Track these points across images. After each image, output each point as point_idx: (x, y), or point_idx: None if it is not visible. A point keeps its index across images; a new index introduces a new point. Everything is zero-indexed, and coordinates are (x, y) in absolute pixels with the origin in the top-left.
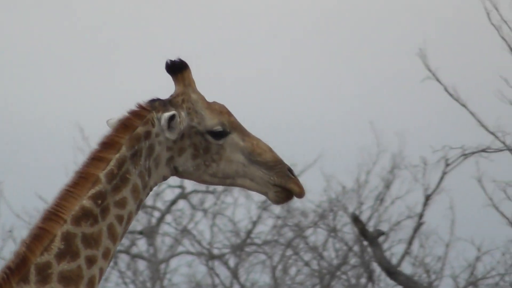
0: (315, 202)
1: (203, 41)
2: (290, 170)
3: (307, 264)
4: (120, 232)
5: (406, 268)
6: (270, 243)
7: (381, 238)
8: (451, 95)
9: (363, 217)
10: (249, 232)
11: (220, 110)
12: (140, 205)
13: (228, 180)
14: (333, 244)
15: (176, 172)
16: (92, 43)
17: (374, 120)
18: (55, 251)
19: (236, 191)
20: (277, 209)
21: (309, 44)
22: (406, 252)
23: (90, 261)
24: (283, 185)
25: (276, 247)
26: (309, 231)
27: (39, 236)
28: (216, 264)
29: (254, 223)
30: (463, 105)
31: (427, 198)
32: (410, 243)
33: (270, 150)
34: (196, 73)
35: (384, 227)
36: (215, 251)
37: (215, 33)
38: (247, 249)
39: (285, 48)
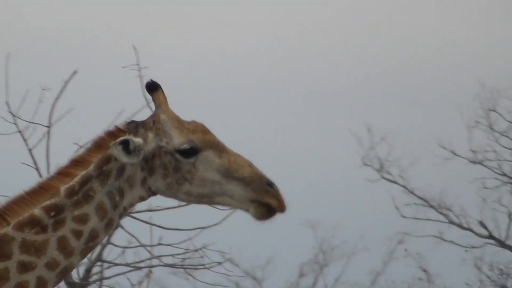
0: None
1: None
2: (270, 184)
3: None
4: (78, 247)
5: None
6: None
7: None
8: None
9: None
10: None
11: (194, 129)
12: (110, 224)
13: (205, 199)
14: None
15: (151, 192)
16: None
17: None
18: None
19: None
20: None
21: None
22: None
23: (25, 266)
24: (259, 200)
25: None
26: None
27: None
28: None
29: None
30: None
31: None
32: None
33: (249, 165)
34: None
35: None
36: None
37: None
38: None
39: None
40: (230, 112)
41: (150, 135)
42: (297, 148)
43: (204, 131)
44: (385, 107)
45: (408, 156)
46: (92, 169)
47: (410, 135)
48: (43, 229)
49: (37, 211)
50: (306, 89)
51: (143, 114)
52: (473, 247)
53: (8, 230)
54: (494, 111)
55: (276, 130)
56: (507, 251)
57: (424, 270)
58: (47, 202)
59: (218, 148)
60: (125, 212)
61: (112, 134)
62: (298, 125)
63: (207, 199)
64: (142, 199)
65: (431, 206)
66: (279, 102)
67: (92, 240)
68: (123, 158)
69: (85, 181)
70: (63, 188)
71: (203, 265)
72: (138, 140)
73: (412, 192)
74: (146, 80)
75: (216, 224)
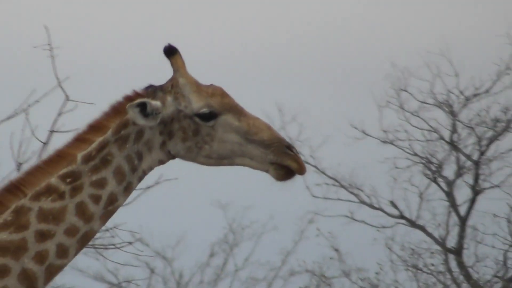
0: None
1: None
2: (289, 147)
3: None
4: (97, 211)
5: None
6: None
7: None
8: None
9: None
10: None
11: (212, 93)
12: (129, 187)
13: (226, 160)
14: None
15: (171, 155)
16: None
17: None
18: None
19: None
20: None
21: None
22: None
23: (43, 235)
24: (279, 162)
25: None
26: None
27: None
28: None
29: None
30: None
31: None
32: None
33: (268, 128)
34: None
35: None
36: None
37: None
38: None
39: None
40: None
41: (169, 98)
42: None
43: (223, 94)
44: (296, 86)
45: (319, 136)
46: (110, 134)
47: (321, 115)
48: (60, 196)
49: (53, 180)
50: (215, 69)
51: (55, 94)
52: (384, 227)
53: (25, 201)
54: (405, 91)
55: None
56: (418, 231)
57: (336, 250)
58: (64, 170)
59: (237, 111)
60: (144, 176)
61: (130, 98)
62: None
63: (227, 160)
64: (161, 162)
65: (342, 186)
66: None
67: (111, 204)
68: (140, 120)
69: (102, 146)
70: (80, 155)
71: (113, 244)
72: (156, 103)
73: (323, 172)
74: (56, 60)
75: (127, 204)
